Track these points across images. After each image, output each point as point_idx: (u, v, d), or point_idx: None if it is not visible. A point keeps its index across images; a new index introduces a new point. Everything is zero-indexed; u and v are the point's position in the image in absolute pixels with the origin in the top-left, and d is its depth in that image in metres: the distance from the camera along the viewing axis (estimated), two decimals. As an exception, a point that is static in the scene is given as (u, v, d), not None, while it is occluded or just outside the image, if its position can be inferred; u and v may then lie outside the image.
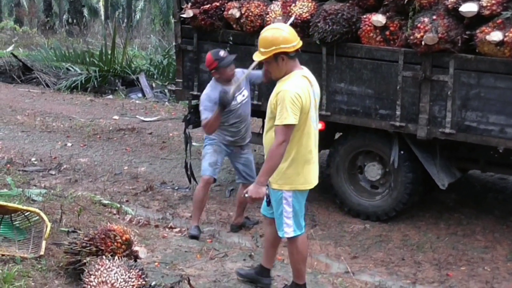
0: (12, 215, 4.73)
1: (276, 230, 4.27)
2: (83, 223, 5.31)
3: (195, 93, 6.76)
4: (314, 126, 4.12)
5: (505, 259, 5.47)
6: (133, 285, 3.63)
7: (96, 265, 3.74)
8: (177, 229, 5.82)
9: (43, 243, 4.41)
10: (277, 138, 3.89)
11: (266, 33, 4.04)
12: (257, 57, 4.07)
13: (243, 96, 5.51)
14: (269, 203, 4.28)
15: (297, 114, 3.89)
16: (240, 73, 5.46)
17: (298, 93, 3.89)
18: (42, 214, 4.62)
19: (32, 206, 5.22)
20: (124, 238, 4.16)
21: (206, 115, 5.33)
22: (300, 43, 4.03)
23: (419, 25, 5.34)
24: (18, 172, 7.19)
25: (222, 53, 5.40)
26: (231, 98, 5.19)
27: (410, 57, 5.59)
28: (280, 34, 3.97)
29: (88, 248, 4.08)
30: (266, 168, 3.95)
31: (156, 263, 4.85)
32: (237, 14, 6.27)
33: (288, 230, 4.13)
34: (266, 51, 3.96)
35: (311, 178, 4.17)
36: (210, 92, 5.44)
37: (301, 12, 5.90)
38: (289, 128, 3.88)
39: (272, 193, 4.17)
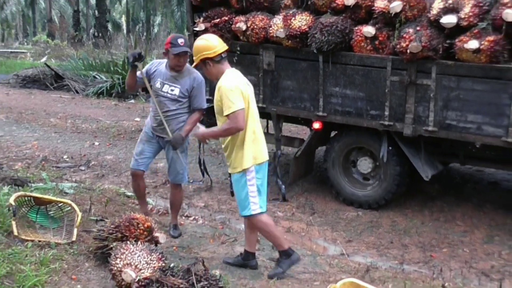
0: (47, 206, 4.75)
1: None
2: (109, 212, 5.34)
3: (207, 97, 6.74)
4: (256, 110, 4.22)
5: (482, 241, 5.47)
6: (154, 267, 3.65)
7: (122, 249, 3.75)
8: (192, 217, 5.84)
9: (75, 231, 4.44)
10: (230, 123, 4.00)
11: (195, 44, 4.20)
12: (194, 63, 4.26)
13: (171, 91, 4.88)
14: (232, 193, 4.41)
15: (241, 101, 3.99)
16: (188, 67, 4.96)
17: (235, 84, 4.02)
18: (73, 205, 4.64)
19: (65, 198, 5.25)
20: (146, 225, 4.18)
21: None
22: (222, 49, 4.12)
23: (404, 35, 5.34)
24: (52, 168, 7.22)
25: (180, 41, 4.78)
26: (135, 54, 4.75)
27: (397, 63, 5.58)
28: (202, 43, 4.13)
29: (114, 234, 4.11)
30: (213, 134, 4.28)
31: (174, 247, 4.87)
32: (244, 27, 6.28)
33: (255, 207, 4.16)
34: (195, 58, 4.16)
35: (263, 152, 4.24)
36: (155, 63, 5.03)
37: (300, 24, 5.92)
38: (237, 114, 3.97)
39: (235, 180, 4.21)
